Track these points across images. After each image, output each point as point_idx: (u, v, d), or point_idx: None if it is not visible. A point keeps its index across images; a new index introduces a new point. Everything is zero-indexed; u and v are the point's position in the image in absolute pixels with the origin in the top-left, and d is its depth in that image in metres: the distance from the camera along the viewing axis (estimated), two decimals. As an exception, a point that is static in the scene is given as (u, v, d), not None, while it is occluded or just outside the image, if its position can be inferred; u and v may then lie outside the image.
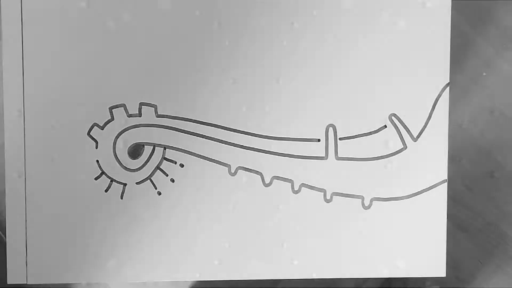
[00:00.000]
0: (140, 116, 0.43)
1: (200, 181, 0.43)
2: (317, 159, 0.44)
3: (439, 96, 0.44)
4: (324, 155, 0.44)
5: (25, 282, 0.43)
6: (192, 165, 0.43)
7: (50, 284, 0.39)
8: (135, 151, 0.43)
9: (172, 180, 0.43)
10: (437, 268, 0.44)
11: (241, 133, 0.43)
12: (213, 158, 0.43)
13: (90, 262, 0.43)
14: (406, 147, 0.44)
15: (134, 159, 0.43)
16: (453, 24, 0.43)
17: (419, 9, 0.43)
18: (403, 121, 0.44)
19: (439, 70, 0.44)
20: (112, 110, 0.43)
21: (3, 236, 0.42)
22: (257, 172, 0.44)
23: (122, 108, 0.43)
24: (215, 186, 0.43)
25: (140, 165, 0.43)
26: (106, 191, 0.43)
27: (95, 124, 0.43)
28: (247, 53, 0.43)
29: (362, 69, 0.43)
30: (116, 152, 0.43)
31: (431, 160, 0.44)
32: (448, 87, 0.44)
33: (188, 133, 0.43)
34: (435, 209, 0.44)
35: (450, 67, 0.44)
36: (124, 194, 0.43)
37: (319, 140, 0.44)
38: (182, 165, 0.43)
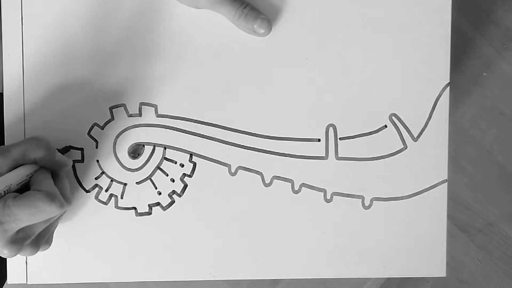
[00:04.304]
0: (140, 116, 0.43)
1: (200, 181, 0.43)
2: (317, 159, 0.44)
3: (439, 96, 0.44)
4: (324, 155, 0.44)
5: (25, 282, 0.43)
6: (192, 165, 0.43)
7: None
8: (135, 151, 0.43)
9: (172, 180, 0.43)
10: (437, 268, 0.44)
11: (241, 133, 0.43)
12: (213, 158, 0.43)
13: (90, 262, 0.43)
14: (406, 147, 0.44)
15: (134, 159, 0.43)
16: (453, 24, 0.43)
17: (419, 9, 0.43)
18: (403, 121, 0.44)
19: (439, 70, 0.44)
20: (112, 110, 0.43)
21: None
22: (257, 172, 0.44)
23: (122, 108, 0.43)
24: (215, 186, 0.43)
25: (140, 165, 0.43)
26: (106, 191, 0.43)
27: (95, 124, 0.43)
28: (247, 53, 0.43)
29: (362, 69, 0.43)
30: (116, 152, 0.43)
31: (431, 160, 0.44)
32: (448, 87, 0.44)
33: (188, 133, 0.43)
34: (435, 209, 0.44)
35: (450, 67, 0.44)
36: (124, 194, 0.43)
37: (319, 140, 0.44)
38: (182, 165, 0.43)
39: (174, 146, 0.43)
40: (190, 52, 0.43)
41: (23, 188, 0.37)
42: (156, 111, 0.43)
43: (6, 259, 0.43)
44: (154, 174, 0.43)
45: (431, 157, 0.44)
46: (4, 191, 0.35)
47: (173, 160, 0.43)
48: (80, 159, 0.43)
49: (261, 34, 0.41)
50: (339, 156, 0.44)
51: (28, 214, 0.35)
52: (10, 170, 0.37)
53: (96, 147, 0.43)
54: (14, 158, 0.37)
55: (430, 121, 0.44)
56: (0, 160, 0.37)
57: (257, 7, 0.41)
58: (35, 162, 0.38)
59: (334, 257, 0.44)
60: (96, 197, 0.43)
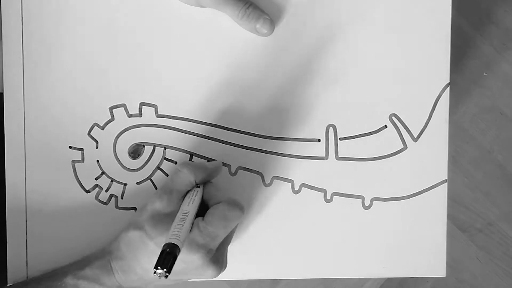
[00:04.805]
0: (141, 116, 0.43)
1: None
2: (317, 159, 0.44)
3: (439, 96, 0.44)
4: (324, 155, 0.44)
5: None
6: (192, 165, 0.43)
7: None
8: (135, 151, 0.43)
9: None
10: (437, 268, 0.44)
11: (241, 133, 0.43)
12: (213, 158, 0.43)
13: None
14: (406, 147, 0.44)
15: (135, 159, 0.43)
16: (453, 24, 0.43)
17: (419, 9, 0.43)
18: (404, 121, 0.44)
19: (439, 70, 0.44)
20: (113, 110, 0.43)
21: None
22: (257, 172, 0.44)
23: (123, 108, 0.43)
24: (215, 186, 0.43)
25: (140, 165, 0.43)
26: (106, 191, 0.43)
27: (96, 124, 0.43)
28: (247, 53, 0.43)
29: (362, 69, 0.43)
30: (117, 152, 0.43)
31: (431, 160, 0.44)
32: (448, 87, 0.44)
33: (188, 133, 0.43)
34: (435, 209, 0.44)
35: (450, 67, 0.44)
36: (125, 194, 0.43)
37: (319, 140, 0.44)
38: (182, 165, 0.43)
39: (174, 146, 0.43)
40: (191, 52, 0.43)
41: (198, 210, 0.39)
42: (156, 111, 0.43)
43: (6, 260, 0.43)
44: (154, 174, 0.43)
45: (431, 157, 0.44)
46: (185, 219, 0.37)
47: (173, 160, 0.43)
48: (80, 159, 0.43)
49: (264, 34, 0.42)
50: (339, 156, 0.44)
51: (222, 227, 0.37)
52: (180, 203, 0.39)
53: (96, 147, 0.43)
54: (178, 192, 0.39)
55: (430, 121, 0.44)
56: (167, 199, 0.38)
57: (260, 7, 0.41)
58: (196, 184, 0.40)
59: (334, 257, 0.44)
60: (96, 198, 0.43)
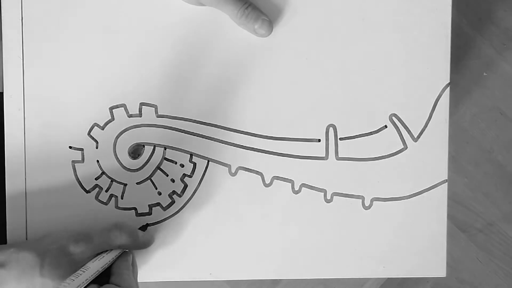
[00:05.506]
0: (141, 116, 0.43)
1: (201, 181, 0.43)
2: (317, 159, 0.44)
3: (440, 96, 0.44)
4: (324, 155, 0.44)
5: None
6: (193, 165, 0.43)
7: None
8: (135, 151, 0.43)
9: (172, 180, 0.43)
10: (437, 268, 0.44)
11: (241, 133, 0.43)
12: (213, 158, 0.43)
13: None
14: (407, 147, 0.44)
15: (135, 159, 0.43)
16: (453, 24, 0.43)
17: (419, 9, 0.43)
18: (404, 121, 0.44)
19: (439, 70, 0.44)
20: (113, 110, 0.43)
21: None
22: (257, 172, 0.44)
23: (123, 108, 0.43)
24: (215, 186, 0.43)
25: (140, 165, 0.43)
26: (106, 191, 0.43)
27: (96, 124, 0.43)
28: (247, 53, 0.43)
29: (362, 69, 0.43)
30: (117, 152, 0.43)
31: (431, 160, 0.44)
32: (449, 87, 0.44)
33: (188, 133, 0.43)
34: (435, 209, 0.44)
35: (450, 67, 0.44)
36: (125, 194, 0.43)
37: (319, 140, 0.44)
38: (182, 165, 0.43)
39: (174, 146, 0.43)
40: (191, 52, 0.43)
41: (105, 271, 0.38)
42: (156, 111, 0.43)
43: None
44: (154, 174, 0.43)
45: (431, 157, 0.44)
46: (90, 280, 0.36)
47: (173, 161, 0.43)
48: (80, 159, 0.43)
49: (262, 35, 0.42)
50: (339, 156, 0.44)
51: None
52: (94, 256, 0.38)
53: (96, 148, 0.43)
54: (97, 246, 0.38)
55: (430, 121, 0.44)
56: (83, 248, 0.37)
57: (259, 7, 0.42)
58: (119, 247, 0.39)
59: (334, 257, 0.44)
60: (96, 198, 0.43)
